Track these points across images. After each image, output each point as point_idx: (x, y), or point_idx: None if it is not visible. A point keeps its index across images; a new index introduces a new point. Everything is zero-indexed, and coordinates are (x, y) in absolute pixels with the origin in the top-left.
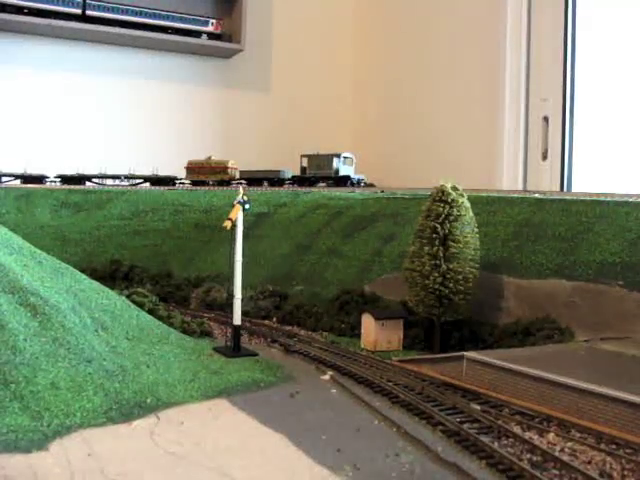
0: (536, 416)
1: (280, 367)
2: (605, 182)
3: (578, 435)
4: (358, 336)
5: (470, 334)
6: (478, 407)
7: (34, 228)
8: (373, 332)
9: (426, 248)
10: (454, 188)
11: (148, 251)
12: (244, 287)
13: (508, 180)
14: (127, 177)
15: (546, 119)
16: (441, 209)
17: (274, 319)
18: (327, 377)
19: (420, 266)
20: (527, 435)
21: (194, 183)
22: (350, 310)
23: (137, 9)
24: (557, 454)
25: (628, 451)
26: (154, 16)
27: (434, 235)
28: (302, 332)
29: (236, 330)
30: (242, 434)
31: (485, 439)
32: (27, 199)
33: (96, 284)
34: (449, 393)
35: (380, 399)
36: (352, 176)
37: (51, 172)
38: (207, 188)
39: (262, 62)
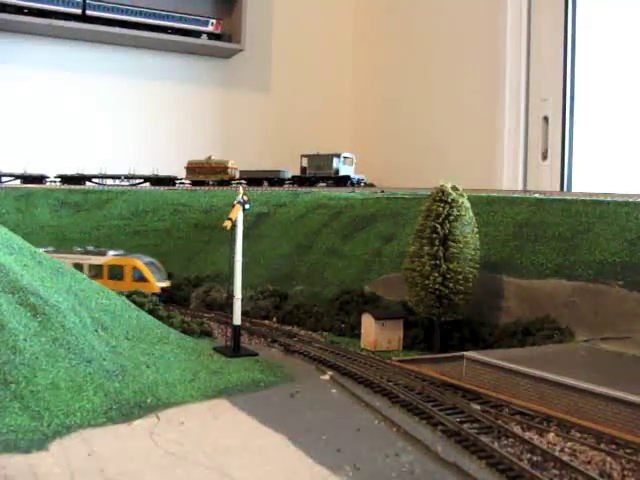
0: (536, 416)
1: (280, 367)
2: (605, 182)
3: (578, 435)
4: (358, 336)
5: (470, 334)
6: (478, 407)
7: (34, 228)
8: (373, 332)
9: (426, 248)
10: (454, 188)
11: (148, 251)
12: (244, 287)
13: (508, 180)
14: (127, 177)
15: (546, 119)
16: (441, 209)
17: (274, 319)
18: (327, 377)
19: (420, 266)
20: (527, 435)
21: (194, 183)
22: (350, 310)
23: (137, 9)
24: (557, 454)
25: (628, 451)
26: (154, 16)
27: (434, 235)
28: (302, 332)
29: (236, 330)
30: (242, 434)
31: (485, 439)
32: (27, 199)
33: (96, 284)
34: (449, 393)
35: (380, 399)
36: (352, 176)
37: (51, 172)
38: (207, 188)
39: (262, 62)
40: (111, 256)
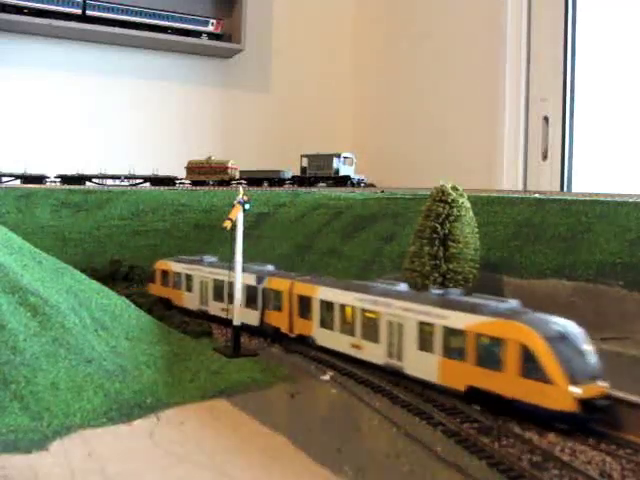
0: None
1: (280, 367)
2: (605, 182)
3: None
4: None
5: None
6: (478, 407)
7: (34, 228)
8: None
9: (426, 248)
10: (454, 188)
11: (148, 251)
12: None
13: (508, 180)
14: (127, 177)
15: (546, 119)
16: (441, 209)
17: None
18: (327, 377)
19: (420, 266)
20: (527, 435)
21: (194, 183)
22: None
23: (137, 9)
24: (557, 454)
25: (628, 451)
26: (154, 16)
27: (434, 235)
28: None
29: (236, 330)
30: (242, 434)
31: (485, 439)
32: (27, 199)
33: (96, 284)
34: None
35: (380, 399)
36: (352, 176)
37: (51, 172)
38: (207, 188)
39: (262, 62)
40: (485, 317)
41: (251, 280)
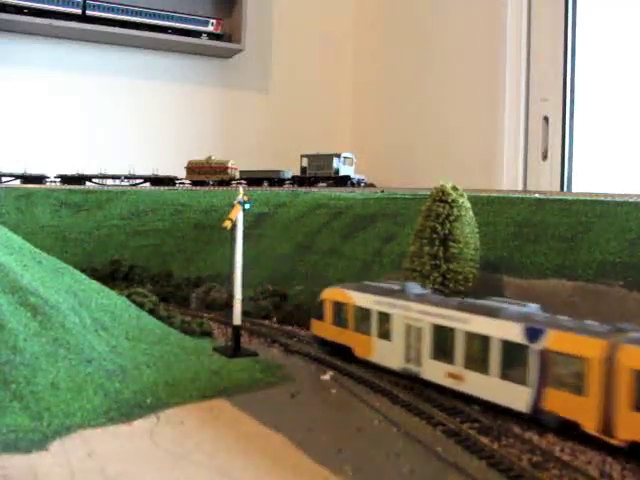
0: None
1: (280, 367)
2: (605, 182)
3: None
4: None
5: None
6: (478, 407)
7: (34, 228)
8: None
9: (426, 248)
10: (454, 188)
11: (148, 251)
12: (244, 287)
13: (508, 180)
14: (127, 177)
15: (546, 119)
16: (441, 209)
17: (274, 319)
18: (327, 377)
19: (420, 266)
20: (527, 435)
21: (194, 183)
22: None
23: (137, 9)
24: (557, 454)
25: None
26: (154, 16)
27: (434, 235)
28: (302, 332)
29: (236, 330)
30: (242, 434)
31: (485, 439)
32: (27, 199)
33: (96, 284)
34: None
35: (380, 399)
36: (352, 176)
37: (51, 172)
38: (207, 188)
39: (262, 62)
40: None
41: (513, 333)
